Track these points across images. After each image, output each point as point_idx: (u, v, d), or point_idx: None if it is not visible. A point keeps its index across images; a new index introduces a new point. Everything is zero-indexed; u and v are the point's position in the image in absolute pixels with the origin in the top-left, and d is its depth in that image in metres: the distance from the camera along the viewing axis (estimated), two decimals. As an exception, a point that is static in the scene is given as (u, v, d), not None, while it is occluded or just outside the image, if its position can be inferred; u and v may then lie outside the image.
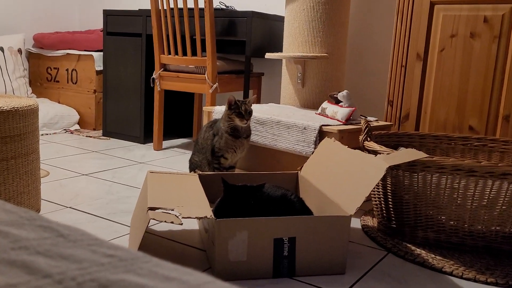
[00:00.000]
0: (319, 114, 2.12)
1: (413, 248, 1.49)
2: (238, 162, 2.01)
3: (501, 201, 1.38)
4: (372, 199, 1.68)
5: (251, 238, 1.22)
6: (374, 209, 1.69)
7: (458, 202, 1.42)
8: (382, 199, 1.59)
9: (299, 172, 1.73)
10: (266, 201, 1.37)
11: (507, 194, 1.36)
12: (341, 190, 1.41)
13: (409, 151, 1.50)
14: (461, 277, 1.32)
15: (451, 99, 2.06)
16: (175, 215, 1.19)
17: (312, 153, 1.76)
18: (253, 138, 2.03)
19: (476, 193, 1.39)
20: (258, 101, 2.79)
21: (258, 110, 2.15)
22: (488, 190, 1.38)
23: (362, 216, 1.78)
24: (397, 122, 2.20)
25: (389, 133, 1.87)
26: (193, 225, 1.59)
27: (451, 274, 1.34)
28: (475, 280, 1.31)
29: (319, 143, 1.77)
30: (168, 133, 3.21)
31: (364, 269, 1.35)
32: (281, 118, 1.98)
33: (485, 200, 1.39)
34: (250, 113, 1.83)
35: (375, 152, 1.52)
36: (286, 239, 1.25)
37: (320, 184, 1.53)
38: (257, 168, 2.05)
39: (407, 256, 1.43)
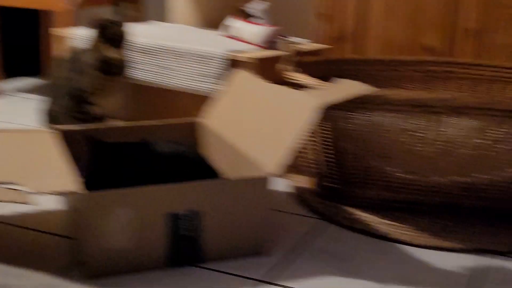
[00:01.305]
0: (225, 35, 2.11)
1: (356, 212, 1.56)
2: (113, 109, 1.97)
3: (461, 144, 1.47)
4: (304, 151, 1.72)
5: (135, 216, 1.21)
6: (306, 164, 1.73)
7: (414, 148, 1.50)
8: (315, 150, 1.64)
9: (199, 118, 1.72)
10: (154, 164, 1.36)
11: (468, 134, 1.45)
12: (259, 142, 1.42)
13: (349, 83, 1.54)
14: (412, 244, 1.42)
15: (399, 9, 2.12)
16: (26, 192, 1.15)
17: (219, 92, 1.76)
18: (135, 73, 1.98)
19: (435, 135, 1.47)
20: (139, 19, 2.71)
21: (140, 33, 2.09)
22: (445, 129, 1.46)
23: (290, 174, 1.82)
24: (331, 43, 2.24)
25: (321, 59, 1.91)
26: (54, 204, 1.55)
27: (400, 241, 1.43)
28: (429, 246, 1.41)
29: (227, 77, 1.77)
30: (9, 71, 3.06)
31: (291, 245, 1.40)
32: (172, 44, 1.94)
33: (442, 144, 1.48)
34: (122, 37, 1.78)
35: (304, 87, 1.55)
36: (184, 213, 1.26)
37: (230, 135, 1.54)
38: (142, 116, 2.01)
39: (347, 222, 1.50)
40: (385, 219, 1.53)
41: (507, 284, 1.27)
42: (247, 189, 1.30)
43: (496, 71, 1.90)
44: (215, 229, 1.29)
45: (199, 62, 1.88)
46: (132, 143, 1.33)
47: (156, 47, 1.96)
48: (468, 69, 1.92)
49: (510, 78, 1.88)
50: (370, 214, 1.55)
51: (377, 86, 1.92)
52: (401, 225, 1.50)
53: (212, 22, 2.32)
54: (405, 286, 1.24)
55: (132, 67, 1.97)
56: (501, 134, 1.44)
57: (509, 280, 1.29)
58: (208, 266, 1.29)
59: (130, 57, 1.95)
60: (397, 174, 1.54)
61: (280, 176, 1.29)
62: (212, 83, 1.85)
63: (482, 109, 1.41)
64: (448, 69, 1.93)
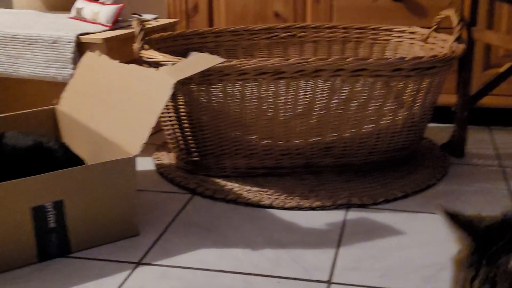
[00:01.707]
0: (73, 18, 2.08)
1: (223, 183, 1.63)
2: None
3: (318, 106, 1.57)
4: (164, 128, 1.75)
5: (-2, 214, 1.20)
6: (169, 141, 1.77)
7: (269, 114, 1.58)
8: (176, 126, 1.68)
9: (56, 106, 1.70)
10: (10, 157, 1.34)
11: (323, 95, 1.56)
12: (119, 124, 1.44)
13: (201, 56, 1.59)
14: (283, 208, 1.50)
15: (249, -22, 2.19)
16: None
17: (71, 77, 1.74)
18: (-22, 65, 1.91)
19: (288, 100, 1.56)
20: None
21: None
22: (302, 93, 1.55)
23: (155, 153, 1.86)
24: (184, 17, 2.27)
25: (174, 34, 1.93)
26: None
27: (271, 206, 1.51)
28: (299, 208, 1.50)
29: (79, 61, 1.75)
30: None
31: (164, 223, 1.44)
32: (17, 31, 1.89)
33: (300, 107, 1.57)
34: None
35: (157, 64, 1.58)
36: (49, 205, 1.26)
37: (89, 120, 1.55)
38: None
39: (216, 194, 1.56)
40: (252, 187, 1.60)
41: (375, 233, 1.39)
42: (111, 173, 1.32)
43: (348, 32, 2.03)
44: (84, 217, 1.30)
45: (49, 48, 1.84)
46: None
47: (2, 36, 1.90)
48: (321, 32, 2.03)
49: (361, 38, 2.02)
50: (238, 183, 1.62)
51: (233, 56, 2.00)
52: (269, 190, 1.58)
53: (60, 4, 2.27)
54: (276, 249, 1.32)
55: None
56: (352, 93, 1.56)
57: (377, 228, 1.41)
58: (81, 255, 1.30)
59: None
60: (256, 142, 1.62)
61: (142, 155, 1.32)
62: (64, 68, 1.83)
63: (332, 71, 1.51)
64: (302, 33, 2.03)
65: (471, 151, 1.89)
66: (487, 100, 1.90)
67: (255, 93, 1.55)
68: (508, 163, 1.80)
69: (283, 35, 2.02)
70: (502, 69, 1.86)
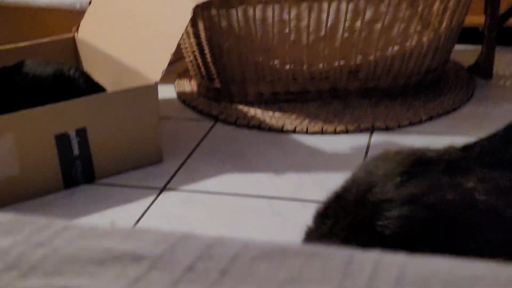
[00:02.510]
0: None
1: (245, 109, 1.62)
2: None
3: (341, 28, 1.54)
4: (185, 55, 1.74)
5: (21, 141, 1.21)
6: (190, 68, 1.76)
7: (291, 38, 1.55)
8: (196, 52, 1.66)
9: (76, 34, 1.69)
10: (31, 86, 1.34)
11: (347, 17, 1.52)
12: (139, 51, 1.43)
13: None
14: (306, 132, 1.49)
15: None
16: None
17: (90, 4, 1.72)
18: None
19: (311, 23, 1.52)
20: None
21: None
22: (325, 16, 1.52)
23: (176, 81, 1.85)
24: None
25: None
26: None
27: (294, 131, 1.50)
28: (323, 132, 1.49)
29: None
30: None
31: (188, 150, 1.44)
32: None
33: (323, 30, 1.54)
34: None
35: (176, -11, 1.55)
36: (73, 132, 1.26)
37: (109, 47, 1.53)
38: (12, 39, 1.94)
39: (239, 121, 1.56)
40: (275, 112, 1.59)
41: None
42: (134, 100, 1.32)
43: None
44: (107, 144, 1.31)
45: (66, -25, 1.82)
46: (5, 68, 1.30)
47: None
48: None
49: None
50: (261, 109, 1.61)
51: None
52: (293, 115, 1.57)
53: None
54: (300, 173, 1.32)
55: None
56: (377, 15, 1.52)
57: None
58: (106, 182, 1.32)
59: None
60: (280, 67, 1.60)
61: (164, 83, 1.31)
62: (83, -4, 1.80)
63: (356, -9, 1.47)
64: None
65: (499, 72, 1.85)
66: (516, 20, 1.84)
67: (277, 16, 1.52)
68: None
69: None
70: (532, -13, 1.79)
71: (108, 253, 0.41)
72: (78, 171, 1.29)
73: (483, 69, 1.80)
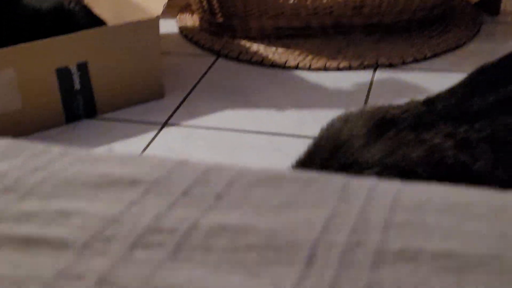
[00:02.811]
0: None
1: (248, 45, 1.60)
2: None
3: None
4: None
5: (22, 76, 1.21)
6: (192, 2, 1.73)
7: (295, -28, 1.52)
8: (198, -14, 1.63)
9: (75, -32, 1.66)
10: (31, 19, 1.32)
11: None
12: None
13: None
14: (309, 69, 1.48)
15: None
16: None
17: None
18: None
19: (315, -44, 1.49)
20: None
21: None
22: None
23: (178, 15, 1.82)
24: None
25: None
26: None
27: (297, 67, 1.49)
28: (325, 69, 1.48)
29: None
30: None
31: (189, 85, 1.44)
32: None
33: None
34: None
35: None
36: (74, 67, 1.26)
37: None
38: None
39: (241, 56, 1.54)
40: (278, 48, 1.58)
41: (403, 92, 1.37)
42: (135, 34, 1.30)
43: None
44: (109, 79, 1.30)
45: None
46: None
47: None
48: None
49: None
50: (264, 45, 1.59)
51: None
52: (296, 51, 1.56)
53: None
54: (301, 109, 1.32)
55: None
56: None
57: (405, 88, 1.39)
58: (108, 117, 1.32)
59: None
60: (283, 1, 1.57)
61: (165, 17, 1.29)
62: None
63: None
64: None
65: (507, 8, 1.82)
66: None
67: (280, -51, 1.49)
68: (544, 21, 1.74)
69: None
70: None
71: (105, 177, 0.41)
72: (79, 105, 1.29)
73: (490, 5, 1.76)
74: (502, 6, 1.79)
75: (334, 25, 1.62)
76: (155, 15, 1.31)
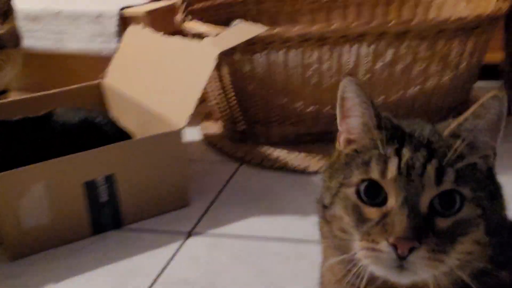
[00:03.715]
0: (116, -9, 2.07)
1: (270, 150, 1.61)
2: (11, 82, 1.91)
3: (362, 70, 1.53)
4: (210, 98, 1.74)
5: (52, 190, 1.22)
6: (215, 111, 1.76)
7: (313, 81, 1.55)
8: (221, 96, 1.67)
9: (102, 81, 1.71)
10: (62, 134, 1.35)
11: (368, 59, 1.52)
12: (165, 97, 1.44)
13: (243, 25, 1.57)
14: (330, 174, 1.48)
15: None
16: None
17: (116, 51, 1.74)
18: (28, 42, 1.92)
19: (332, 66, 1.52)
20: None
21: (26, 0, 2.02)
22: (346, 58, 1.52)
23: (202, 123, 1.85)
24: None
25: (216, 3, 1.91)
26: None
27: (318, 172, 1.49)
28: (346, 173, 1.48)
29: (123, 34, 1.75)
30: None
31: (214, 192, 1.44)
32: (62, 7, 1.89)
33: (345, 72, 1.54)
34: (9, 7, 1.72)
35: (200, 35, 1.56)
36: (101, 179, 1.27)
37: (135, 93, 1.54)
38: (43, 86, 1.97)
39: (264, 162, 1.55)
40: (301, 153, 1.58)
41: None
42: (160, 146, 1.32)
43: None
44: (135, 190, 1.31)
45: (93, 22, 1.85)
46: (36, 117, 1.32)
47: (46, 12, 1.91)
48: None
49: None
50: (286, 151, 1.60)
51: (275, 23, 1.96)
52: (317, 156, 1.56)
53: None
54: (325, 214, 1.31)
55: (28, 36, 1.91)
56: (397, 56, 1.52)
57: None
58: (134, 227, 1.31)
59: (21, 26, 1.89)
60: (303, 108, 1.60)
61: (189, 125, 1.32)
62: (108, 42, 1.83)
63: (376, 34, 1.47)
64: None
65: (521, 109, 1.83)
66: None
67: (299, 60, 1.52)
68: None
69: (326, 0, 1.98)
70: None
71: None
72: (106, 217, 1.29)
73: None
74: (517, 106, 1.80)
75: (353, 130, 1.64)
76: (179, 127, 1.33)
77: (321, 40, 1.48)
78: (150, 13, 1.81)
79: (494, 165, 0.61)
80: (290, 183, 1.46)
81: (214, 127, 1.81)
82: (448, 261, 0.54)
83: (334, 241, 0.61)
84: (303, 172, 1.51)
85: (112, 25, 1.82)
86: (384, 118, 0.61)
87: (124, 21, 1.81)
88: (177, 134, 1.33)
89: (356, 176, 0.59)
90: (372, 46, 1.50)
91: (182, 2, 1.67)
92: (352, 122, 0.63)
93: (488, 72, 1.93)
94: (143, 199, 1.33)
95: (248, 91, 1.60)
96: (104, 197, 1.28)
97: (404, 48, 1.50)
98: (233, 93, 1.63)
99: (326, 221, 0.62)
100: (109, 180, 1.28)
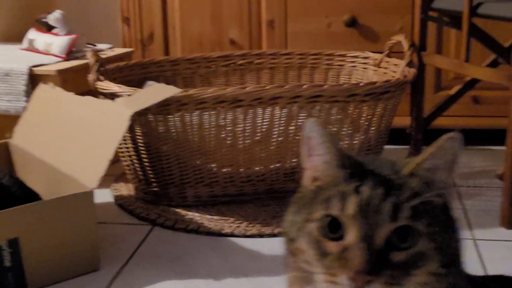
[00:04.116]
0: (26, 49, 2.03)
1: (183, 212, 1.59)
2: None
3: (276, 132, 1.56)
4: (122, 159, 1.71)
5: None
6: (127, 172, 1.73)
7: (228, 142, 1.56)
8: (134, 157, 1.64)
9: (9, 140, 1.65)
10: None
11: (281, 122, 1.54)
12: (76, 157, 1.40)
13: (157, 86, 1.57)
14: (244, 236, 1.47)
15: (203, 5, 2.17)
16: None
17: (25, 110, 1.69)
18: None
19: (246, 128, 1.54)
20: None
21: None
22: (260, 121, 1.54)
23: (113, 184, 1.81)
24: (140, 46, 2.24)
25: (130, 64, 1.90)
26: None
27: (232, 235, 1.48)
28: (260, 235, 1.47)
29: (32, 93, 1.70)
30: None
31: (125, 256, 1.40)
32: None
33: (259, 135, 1.55)
34: None
35: (113, 95, 1.54)
36: (4, 243, 1.21)
37: (44, 153, 1.50)
38: None
39: (177, 225, 1.53)
40: (214, 215, 1.57)
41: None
42: (70, 207, 1.28)
43: (304, 58, 2.02)
44: (41, 254, 1.25)
45: (1, 80, 1.79)
46: None
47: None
48: (278, 58, 2.02)
49: (316, 63, 2.01)
50: (199, 213, 1.59)
51: (190, 84, 1.97)
52: (231, 218, 1.56)
53: (11, 35, 2.22)
54: (239, 277, 1.29)
55: None
56: (310, 117, 1.55)
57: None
58: (39, 294, 1.25)
59: None
60: (218, 170, 1.60)
61: (100, 187, 1.28)
62: (17, 101, 1.78)
63: (289, 98, 1.50)
64: (259, 60, 2.02)
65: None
66: (440, 121, 1.91)
67: (213, 122, 1.53)
68: (461, 182, 1.82)
69: (240, 62, 2.01)
70: (452, 91, 1.88)
71: None
72: (10, 283, 1.22)
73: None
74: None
75: (267, 191, 1.65)
76: (90, 188, 1.29)
77: (235, 102, 1.50)
78: (62, 72, 1.78)
79: (450, 200, 0.63)
80: (204, 245, 1.44)
81: (125, 189, 1.77)
82: None
83: (299, 273, 0.63)
84: (217, 234, 1.49)
85: (21, 84, 1.77)
86: (346, 157, 0.63)
87: (34, 80, 1.77)
88: (87, 195, 1.29)
89: (319, 212, 0.61)
90: (286, 109, 1.53)
91: (95, 62, 1.65)
92: (316, 160, 0.65)
93: (396, 136, 2.01)
94: (51, 263, 1.27)
95: (162, 151, 1.58)
96: (7, 261, 1.21)
97: (317, 111, 1.54)
98: (146, 154, 1.60)
99: (291, 253, 0.64)
100: (13, 244, 1.21)
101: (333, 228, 0.59)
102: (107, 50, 2.09)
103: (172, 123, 1.54)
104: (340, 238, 0.59)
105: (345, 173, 0.62)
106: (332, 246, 0.59)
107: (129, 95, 1.50)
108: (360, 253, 0.56)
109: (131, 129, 1.59)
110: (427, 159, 0.61)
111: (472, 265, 1.41)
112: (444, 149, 0.61)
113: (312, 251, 0.60)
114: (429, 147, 0.61)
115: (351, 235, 0.58)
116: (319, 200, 0.62)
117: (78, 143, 1.42)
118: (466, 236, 1.44)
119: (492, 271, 1.28)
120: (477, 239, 1.45)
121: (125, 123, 1.34)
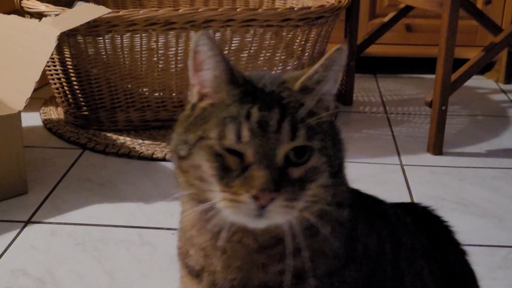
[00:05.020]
0: None
1: (115, 137, 1.59)
2: None
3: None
4: (51, 81, 1.68)
5: None
6: (56, 95, 1.70)
7: (160, 66, 1.55)
8: (63, 79, 1.61)
9: None
10: None
11: (215, 46, 1.54)
12: (2, 79, 1.37)
13: (87, 6, 1.52)
14: (176, 160, 1.48)
15: None
16: None
17: None
18: None
19: (179, 51, 1.53)
20: None
21: None
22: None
23: (42, 108, 1.78)
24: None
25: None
26: None
27: (164, 159, 1.49)
28: (192, 159, 1.49)
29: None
30: None
31: (54, 180, 1.39)
32: None
33: (191, 58, 1.55)
34: None
35: (39, 15, 1.50)
36: None
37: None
38: None
39: (108, 149, 1.52)
40: (145, 140, 1.57)
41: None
42: (-5, 130, 1.26)
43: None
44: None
45: None
46: None
47: None
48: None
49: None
50: (130, 137, 1.59)
51: (121, 6, 1.93)
52: (162, 143, 1.56)
53: None
54: (170, 201, 1.30)
55: None
56: (243, 43, 1.55)
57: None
58: (-35, 217, 1.24)
59: None
60: (149, 94, 1.59)
61: (29, 111, 1.26)
62: None
63: (223, 21, 1.49)
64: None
65: (359, 98, 1.95)
66: (373, 49, 1.95)
67: (145, 45, 1.51)
68: (392, 109, 1.87)
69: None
70: (386, 19, 1.91)
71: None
72: None
73: (344, 96, 1.88)
74: (354, 96, 1.91)
75: (200, 116, 1.65)
76: (16, 110, 1.27)
77: (167, 25, 1.48)
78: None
79: (335, 112, 0.65)
80: (135, 170, 1.45)
81: (55, 112, 1.75)
82: (298, 206, 0.59)
83: (190, 191, 0.63)
84: (148, 159, 1.50)
85: None
86: (237, 73, 0.62)
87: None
88: (14, 117, 1.27)
89: (216, 133, 0.60)
90: (219, 33, 1.52)
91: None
92: (204, 76, 0.63)
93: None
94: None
95: (92, 74, 1.56)
96: None
97: (250, 35, 1.54)
98: (76, 77, 1.58)
99: (182, 171, 0.64)
100: None
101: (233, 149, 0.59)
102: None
103: (102, 45, 1.51)
104: (241, 155, 0.58)
105: (238, 91, 0.61)
106: (234, 161, 0.59)
107: (56, 14, 1.45)
108: (262, 173, 0.57)
109: (59, 51, 1.55)
110: (317, 72, 0.61)
111: (398, 189, 1.48)
112: (334, 60, 0.61)
113: (210, 165, 0.59)
114: (320, 60, 0.61)
115: (251, 157, 0.58)
116: (214, 122, 0.60)
117: (5, 65, 1.38)
118: (394, 161, 1.52)
119: (418, 195, 1.34)
120: (405, 165, 1.50)
121: (52, 44, 1.31)
